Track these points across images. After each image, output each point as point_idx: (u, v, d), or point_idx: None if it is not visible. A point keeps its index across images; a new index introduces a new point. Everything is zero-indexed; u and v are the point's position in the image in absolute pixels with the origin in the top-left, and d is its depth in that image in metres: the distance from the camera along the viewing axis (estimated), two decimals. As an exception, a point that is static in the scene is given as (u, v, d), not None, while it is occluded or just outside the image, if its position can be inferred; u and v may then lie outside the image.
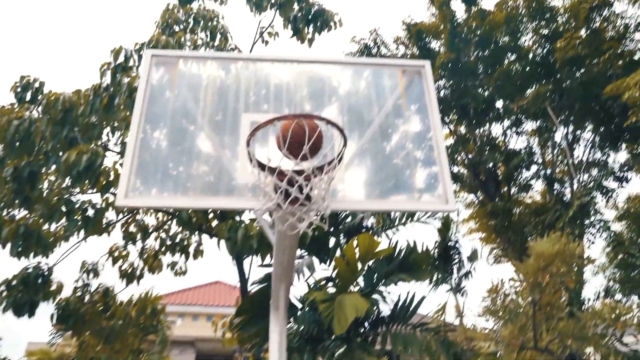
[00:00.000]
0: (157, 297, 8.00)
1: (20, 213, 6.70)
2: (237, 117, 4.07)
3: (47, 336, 8.38)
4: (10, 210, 6.68)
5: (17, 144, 6.25)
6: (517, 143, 16.42)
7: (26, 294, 6.47)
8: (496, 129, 16.99)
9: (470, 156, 16.67)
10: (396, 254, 6.93)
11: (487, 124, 16.58)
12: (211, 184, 3.81)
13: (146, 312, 7.49)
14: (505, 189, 16.23)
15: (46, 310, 7.54)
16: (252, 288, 6.66)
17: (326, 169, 3.14)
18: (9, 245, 6.38)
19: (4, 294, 6.54)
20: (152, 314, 7.55)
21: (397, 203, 4.00)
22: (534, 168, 16.08)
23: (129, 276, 7.65)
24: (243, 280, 7.44)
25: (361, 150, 4.13)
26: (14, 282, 6.65)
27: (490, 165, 15.67)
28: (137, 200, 3.66)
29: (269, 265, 6.49)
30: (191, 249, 7.78)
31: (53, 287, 6.97)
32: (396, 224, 7.97)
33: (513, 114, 15.66)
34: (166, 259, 7.98)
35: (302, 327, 6.11)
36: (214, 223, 7.31)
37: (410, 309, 6.77)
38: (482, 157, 15.66)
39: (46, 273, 6.76)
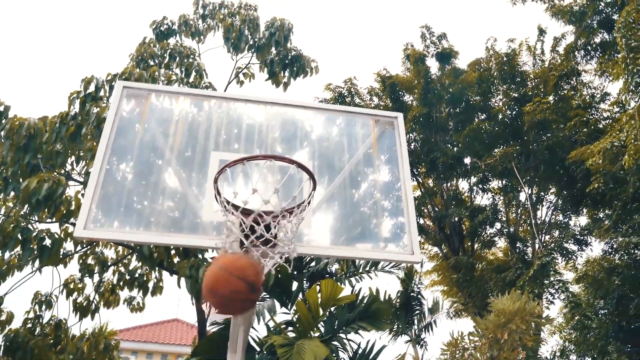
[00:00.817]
0: (112, 332, 7.72)
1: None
2: (206, 155, 4.09)
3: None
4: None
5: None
6: (482, 199, 16.80)
7: (-28, 323, 6.19)
8: (463, 185, 17.40)
9: (436, 209, 16.95)
10: (358, 301, 6.92)
11: (455, 179, 16.99)
12: (175, 220, 3.78)
13: (99, 347, 7.21)
14: (469, 243, 16.47)
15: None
16: (211, 328, 6.52)
17: (295, 211, 3.18)
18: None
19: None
20: (105, 349, 7.27)
21: (363, 251, 4.04)
22: (497, 225, 16.42)
23: (84, 310, 7.39)
24: (202, 320, 7.27)
25: (329, 196, 4.19)
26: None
27: (456, 219, 15.94)
28: (97, 232, 3.60)
29: (229, 307, 6.39)
30: (150, 285, 7.60)
31: (2, 317, 6.69)
32: (360, 271, 8.00)
33: (480, 171, 16.10)
34: (124, 293, 7.78)
35: (258, 372, 5.97)
36: (176, 259, 7.19)
37: (370, 358, 6.71)
38: (448, 211, 15.94)
39: (-2, 299, 6.50)
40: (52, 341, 7.02)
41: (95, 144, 6.80)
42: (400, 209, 4.12)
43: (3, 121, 6.65)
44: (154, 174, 3.95)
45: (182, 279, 6.08)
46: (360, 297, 7.00)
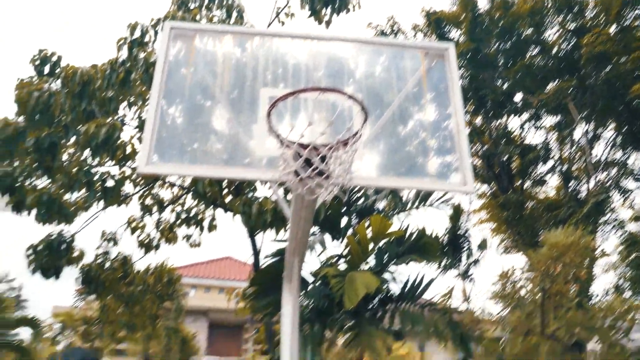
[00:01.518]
0: (173, 268, 8.24)
1: (42, 182, 6.92)
2: (255, 93, 4.15)
3: (71, 299, 8.66)
4: (32, 179, 6.90)
5: (37, 115, 6.44)
6: (534, 137, 16.32)
7: (51, 258, 6.73)
8: (513, 122, 16.90)
9: (485, 148, 16.64)
10: (407, 236, 7.07)
11: (504, 117, 16.52)
12: (229, 155, 3.94)
13: (162, 280, 7.73)
14: (519, 182, 16.20)
15: (70, 274, 7.81)
16: (265, 262, 6.85)
17: (349, 142, 3.24)
18: (33, 212, 6.65)
19: (31, 257, 6.80)
20: (168, 282, 7.79)
21: (416, 181, 4.08)
22: (549, 163, 16.00)
23: (147, 246, 7.88)
24: (256, 253, 7.63)
25: (379, 130, 4.22)
26: (39, 247, 6.91)
27: (505, 158, 15.63)
28: (158, 167, 3.81)
29: (282, 241, 6.67)
30: (205, 223, 7.97)
31: (75, 254, 7.21)
32: (408, 207, 8.08)
33: (532, 108, 15.57)
34: (181, 231, 8.20)
35: (312, 301, 6.28)
36: (229, 199, 7.49)
37: (419, 290, 6.92)
38: (497, 150, 15.63)
39: (69, 240, 7.01)
40: (120, 274, 7.56)
41: (144, 88, 7.00)
42: (453, 142, 4.11)
43: (57, 70, 6.92)
44: (205, 112, 4.08)
45: (236, 216, 6.36)
46: (408, 233, 7.13)
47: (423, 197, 7.97)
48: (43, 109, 6.08)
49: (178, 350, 11.30)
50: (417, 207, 7.99)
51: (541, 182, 16.22)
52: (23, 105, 6.11)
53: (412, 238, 7.05)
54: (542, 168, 16.01)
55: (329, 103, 3.53)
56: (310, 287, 6.71)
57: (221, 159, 3.83)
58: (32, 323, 15.84)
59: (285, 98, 3.29)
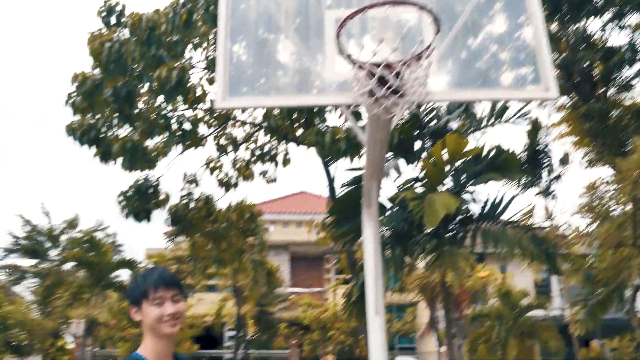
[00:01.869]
0: (252, 204, 8.55)
1: (123, 131, 7.25)
2: (320, 16, 4.06)
3: (161, 241, 9.25)
4: (114, 129, 7.23)
5: (112, 66, 6.63)
6: (617, 39, 14.98)
7: (141, 203, 7.17)
8: (593, 25, 15.52)
9: (562, 56, 15.53)
10: (484, 154, 6.86)
11: (583, 20, 15.22)
12: (300, 83, 3.92)
13: (244, 216, 8.06)
14: (602, 90, 15.09)
15: (159, 217, 8.29)
16: (342, 191, 6.93)
17: (423, 55, 3.12)
18: (119, 160, 7.04)
19: (123, 203, 7.26)
20: (250, 218, 8.12)
21: (495, 92, 3.89)
22: (636, 66, 14.73)
23: (226, 185, 8.18)
24: (331, 183, 7.73)
25: (452, 42, 4.01)
26: (129, 193, 7.35)
27: (585, 64, 14.54)
28: (234, 102, 3.87)
29: (357, 169, 6.69)
30: (279, 158, 8.12)
31: (162, 197, 7.62)
32: (483, 125, 7.80)
33: (614, 6, 14.20)
34: (257, 168, 8.41)
35: (391, 226, 6.34)
36: (300, 132, 7.53)
37: (500, 209, 6.79)
38: (575, 57, 14.54)
39: (154, 184, 7.40)
40: (205, 213, 7.94)
41: (207, 28, 7.00)
42: (529, 48, 3.86)
43: (123, 19, 7.03)
44: (273, 42, 4.04)
45: (310, 149, 6.42)
46: (486, 150, 6.91)
47: (499, 113, 7.65)
48: (116, 58, 6.25)
49: (265, 282, 11.93)
50: (492, 124, 7.70)
51: (627, 87, 15.01)
52: (97, 57, 6.32)
53: (490, 156, 6.84)
54: (628, 72, 14.77)
55: (398, 18, 3.37)
56: (388, 212, 6.76)
57: (293, 88, 3.82)
58: (131, 265, 17.27)
59: (353, 16, 3.17)
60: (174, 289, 1.86)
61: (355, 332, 12.44)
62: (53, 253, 32.22)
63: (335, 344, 12.72)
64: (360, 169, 6.59)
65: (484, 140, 10.59)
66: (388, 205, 6.78)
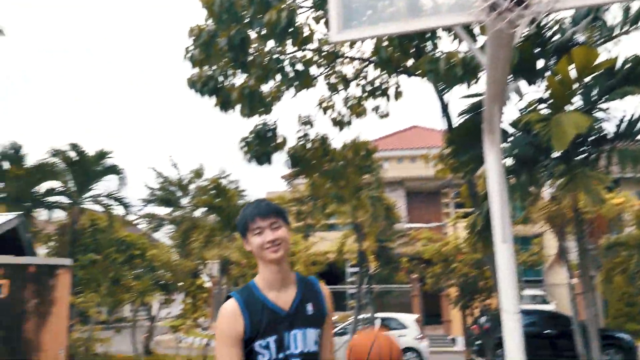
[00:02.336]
0: (367, 141, 8.60)
1: (238, 79, 7.53)
2: None
3: (280, 184, 9.69)
4: (230, 78, 7.52)
5: (224, 15, 6.82)
6: None
7: (261, 147, 7.52)
8: None
9: None
10: (619, 66, 6.21)
11: None
12: (412, 9, 3.79)
13: (360, 153, 8.16)
14: None
15: (277, 161, 8.67)
16: (459, 120, 6.71)
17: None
18: (238, 108, 7.38)
19: (244, 149, 7.67)
20: (365, 155, 8.20)
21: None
22: None
23: (339, 123, 8.28)
24: (446, 113, 7.49)
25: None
26: (249, 139, 7.73)
27: None
28: (348, 34, 3.85)
29: (474, 95, 6.41)
30: (391, 91, 8.00)
31: (279, 140, 7.92)
32: (615, 34, 6.99)
33: None
34: (369, 104, 8.38)
35: (515, 151, 6.05)
36: (410, 63, 7.31)
37: (639, 125, 6.17)
38: None
39: (272, 128, 7.69)
40: (321, 153, 8.15)
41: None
42: None
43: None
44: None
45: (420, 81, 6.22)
46: (620, 62, 6.24)
47: (634, 19, 6.80)
48: (227, 8, 6.42)
49: (383, 218, 12.13)
50: (627, 32, 6.88)
51: None
52: (210, 8, 6.54)
53: (625, 68, 6.17)
54: None
55: None
56: (510, 138, 6.44)
57: (404, 14, 3.72)
58: (255, 207, 18.36)
59: None
60: (271, 217, 1.96)
61: (479, 264, 12.31)
62: (184, 201, 35.13)
63: (458, 277, 12.70)
64: (479, 94, 6.30)
65: (617, 51, 9.51)
66: (510, 130, 6.45)
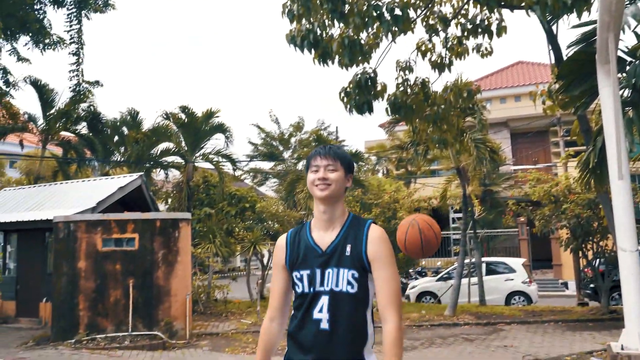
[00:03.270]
0: (469, 82, 8.38)
1: (336, 30, 7.61)
2: None
3: (379, 132, 9.74)
4: (328, 29, 7.62)
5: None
6: None
7: (362, 96, 7.62)
8: None
9: None
10: None
11: None
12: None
13: (462, 95, 8.00)
14: None
15: (378, 108, 8.71)
16: (569, 51, 6.34)
17: None
18: (336, 59, 7.51)
19: (345, 99, 7.83)
20: (468, 95, 8.03)
21: None
22: None
23: (439, 66, 8.12)
24: (555, 45, 7.08)
25: None
26: (348, 89, 7.86)
27: None
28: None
29: (586, 23, 6.01)
30: (493, 27, 7.67)
31: (378, 88, 7.97)
32: None
33: None
34: (470, 43, 8.11)
35: (633, 80, 5.65)
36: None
37: None
38: None
39: (372, 76, 7.75)
40: (422, 98, 8.10)
41: None
42: None
43: None
44: None
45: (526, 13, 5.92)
46: None
47: None
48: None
49: (488, 161, 11.83)
50: None
51: None
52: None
53: None
54: None
55: None
56: (628, 67, 6.01)
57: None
58: (357, 157, 18.71)
59: None
60: (329, 159, 2.07)
61: (592, 204, 11.72)
62: (286, 155, 36.33)
63: (569, 218, 12.17)
64: (591, 22, 5.91)
65: None
66: (628, 59, 6.00)
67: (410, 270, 19.50)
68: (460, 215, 17.54)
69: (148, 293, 10.36)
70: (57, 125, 20.03)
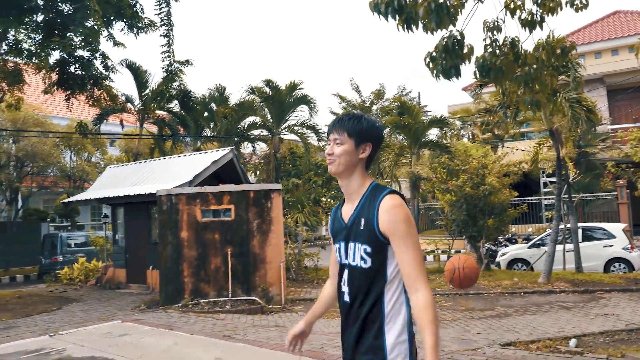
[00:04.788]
0: (561, 38, 7.92)
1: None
2: None
3: (462, 96, 9.46)
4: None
5: None
6: None
7: (449, 60, 7.46)
8: None
9: None
10: None
11: None
12: None
13: (555, 53, 7.59)
14: None
15: (465, 72, 8.46)
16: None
17: None
18: (420, 25, 7.38)
19: (431, 64, 7.70)
20: (562, 53, 7.60)
21: None
22: None
23: (530, 23, 7.73)
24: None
25: None
26: (434, 53, 7.72)
27: None
28: None
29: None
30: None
31: (465, 51, 7.74)
32: None
33: None
34: (565, -3, 7.63)
35: None
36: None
37: None
38: None
39: (459, 39, 7.54)
40: (512, 58, 7.78)
41: None
42: None
43: None
44: None
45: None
46: None
47: None
48: None
49: (584, 121, 11.17)
50: None
51: None
52: None
53: None
54: None
55: None
56: None
57: None
58: (442, 122, 18.34)
59: None
60: (334, 133, 2.04)
61: None
62: (367, 124, 35.92)
63: (678, 179, 11.30)
64: None
65: None
66: None
67: (500, 238, 19.04)
68: (552, 179, 16.79)
69: (245, 261, 10.97)
70: (152, 104, 21.29)
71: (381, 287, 1.91)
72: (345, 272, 2.01)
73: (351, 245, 1.98)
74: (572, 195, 14.79)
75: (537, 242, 15.33)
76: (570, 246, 14.24)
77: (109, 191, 14.74)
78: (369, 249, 1.91)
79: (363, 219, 1.93)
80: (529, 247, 15.55)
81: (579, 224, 14.81)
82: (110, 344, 7.63)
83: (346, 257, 2.01)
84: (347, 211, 2.05)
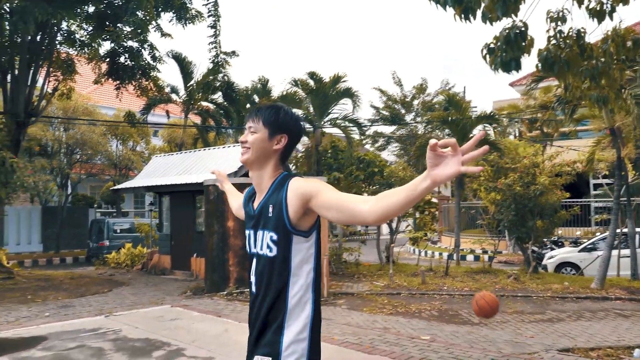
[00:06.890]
0: (631, 29, 7.47)
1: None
2: None
3: (509, 91, 9.07)
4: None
5: None
6: None
7: (509, 51, 7.14)
8: None
9: None
10: None
11: None
12: None
13: (625, 46, 7.16)
14: None
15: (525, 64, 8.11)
16: None
17: None
18: (478, 15, 7.08)
19: (488, 57, 7.39)
20: (634, 46, 7.17)
21: None
22: None
23: (598, 13, 7.33)
24: None
25: None
26: (492, 45, 7.40)
27: None
28: None
29: None
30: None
31: (524, 43, 7.40)
32: None
33: None
34: (638, -13, 7.19)
35: None
36: None
37: None
38: None
39: (521, 30, 7.21)
40: (577, 51, 7.39)
41: None
42: None
43: None
44: None
45: None
46: None
47: None
48: None
49: (647, 120, 10.54)
50: None
51: None
52: None
53: None
54: None
55: None
56: None
57: None
58: (492, 118, 17.80)
59: None
60: (249, 121, 1.98)
61: None
62: (408, 118, 35.61)
63: None
64: None
65: None
66: None
67: (545, 240, 18.39)
68: (607, 181, 16.08)
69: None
70: (197, 95, 21.51)
71: (285, 280, 1.83)
72: (254, 261, 1.97)
73: (259, 233, 1.92)
74: (631, 199, 14.10)
75: (589, 246, 14.71)
76: (625, 252, 13.59)
77: (156, 179, 14.96)
78: (275, 237, 1.84)
79: (271, 205, 1.87)
80: (579, 251, 14.94)
81: (638, 229, 14.09)
82: (163, 327, 7.80)
83: (255, 246, 1.96)
84: (258, 200, 2.00)
